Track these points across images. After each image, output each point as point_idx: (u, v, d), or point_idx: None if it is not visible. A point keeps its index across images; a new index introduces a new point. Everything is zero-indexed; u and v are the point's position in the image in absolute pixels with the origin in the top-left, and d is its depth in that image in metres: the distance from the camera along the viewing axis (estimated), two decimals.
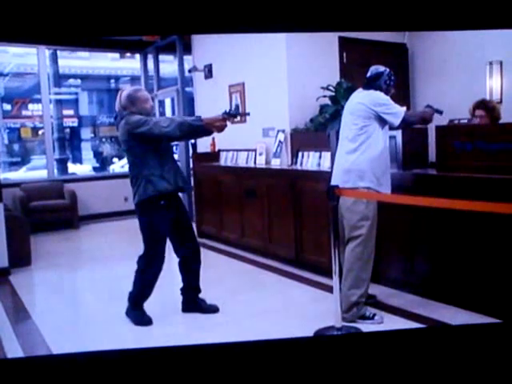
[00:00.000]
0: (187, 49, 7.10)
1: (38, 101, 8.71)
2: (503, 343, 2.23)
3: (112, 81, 14.79)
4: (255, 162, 5.56)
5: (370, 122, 3.29)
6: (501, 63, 4.92)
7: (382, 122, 3.31)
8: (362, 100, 3.34)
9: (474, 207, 2.53)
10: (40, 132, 11.63)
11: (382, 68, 3.42)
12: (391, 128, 3.41)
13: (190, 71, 6.98)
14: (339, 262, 3.14)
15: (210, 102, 6.46)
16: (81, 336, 3.33)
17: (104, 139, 14.38)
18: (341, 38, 5.32)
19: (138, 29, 2.28)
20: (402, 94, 5.42)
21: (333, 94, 4.91)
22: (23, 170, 12.37)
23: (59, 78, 11.71)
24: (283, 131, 5.21)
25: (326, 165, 4.52)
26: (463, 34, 4.85)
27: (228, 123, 3.47)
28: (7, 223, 4.82)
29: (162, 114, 8.60)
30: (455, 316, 3.25)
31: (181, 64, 7.38)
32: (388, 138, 3.45)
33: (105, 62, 13.72)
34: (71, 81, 14.31)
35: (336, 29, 2.49)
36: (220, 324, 3.44)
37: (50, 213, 6.97)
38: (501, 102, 4.88)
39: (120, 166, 12.24)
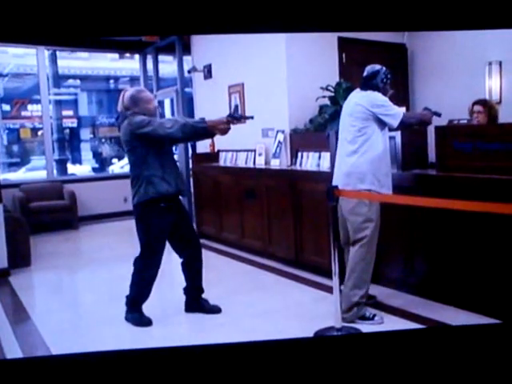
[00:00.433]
0: (186, 49, 7.09)
1: (38, 101, 8.72)
2: (503, 344, 2.23)
3: (111, 81, 14.80)
4: (255, 163, 5.56)
5: (369, 124, 3.27)
6: (500, 63, 4.92)
7: (381, 123, 3.29)
8: (359, 101, 3.32)
9: (473, 207, 2.53)
10: (39, 133, 11.64)
11: (377, 66, 3.38)
12: (390, 129, 3.40)
13: (189, 72, 6.98)
14: (339, 263, 3.14)
15: (209, 103, 6.46)
16: (80, 337, 3.33)
17: (103, 140, 14.39)
18: (340, 39, 5.32)
19: (138, 29, 2.27)
20: (401, 95, 5.42)
21: (332, 94, 4.91)
22: (23, 171, 12.38)
23: (58, 79, 11.71)
24: (283, 132, 5.20)
25: (325, 165, 4.52)
26: (463, 34, 4.84)
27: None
28: (7, 224, 4.81)
29: (162, 114, 8.59)
30: (455, 316, 3.25)
31: (180, 64, 7.38)
32: (388, 139, 3.44)
33: (104, 63, 13.73)
34: (70, 81, 14.32)
35: (335, 29, 2.49)
36: (220, 324, 3.44)
37: (49, 213, 6.96)
38: (500, 102, 4.88)
39: (119, 166, 12.25)
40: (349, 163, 3.31)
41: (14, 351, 3.10)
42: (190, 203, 6.75)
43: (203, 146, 6.53)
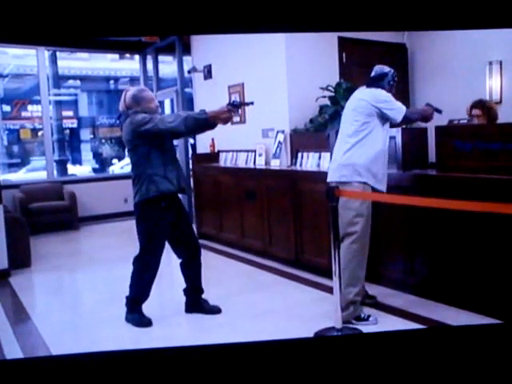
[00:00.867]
0: (186, 49, 7.09)
1: (38, 102, 8.72)
2: (503, 344, 2.22)
3: (111, 82, 14.80)
4: (255, 163, 5.56)
5: (372, 119, 3.30)
6: (500, 63, 4.92)
7: (383, 119, 3.32)
8: (364, 97, 3.36)
9: (473, 207, 2.53)
10: (39, 133, 11.64)
11: (387, 69, 3.43)
12: (392, 125, 3.41)
13: (189, 72, 6.98)
14: (339, 263, 3.14)
15: (209, 103, 6.43)
16: (80, 337, 3.33)
17: (103, 140, 14.39)
18: (340, 38, 5.32)
19: (138, 29, 2.27)
20: (401, 94, 5.41)
21: (332, 94, 4.91)
22: (23, 172, 12.38)
23: (58, 79, 11.72)
24: (283, 132, 5.20)
25: (325, 165, 4.52)
26: (463, 33, 4.85)
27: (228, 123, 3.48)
28: (7, 225, 4.81)
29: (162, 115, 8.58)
30: (455, 316, 3.25)
31: (180, 65, 7.37)
32: (388, 137, 3.44)
33: (104, 63, 13.73)
34: (70, 82, 14.32)
35: (335, 29, 2.49)
36: (220, 325, 3.44)
37: (49, 214, 6.96)
38: (500, 101, 4.88)
39: (120, 167, 12.26)
40: (346, 155, 3.32)
41: (13, 351, 3.10)
42: (190, 204, 6.75)
43: (203, 147, 6.53)
